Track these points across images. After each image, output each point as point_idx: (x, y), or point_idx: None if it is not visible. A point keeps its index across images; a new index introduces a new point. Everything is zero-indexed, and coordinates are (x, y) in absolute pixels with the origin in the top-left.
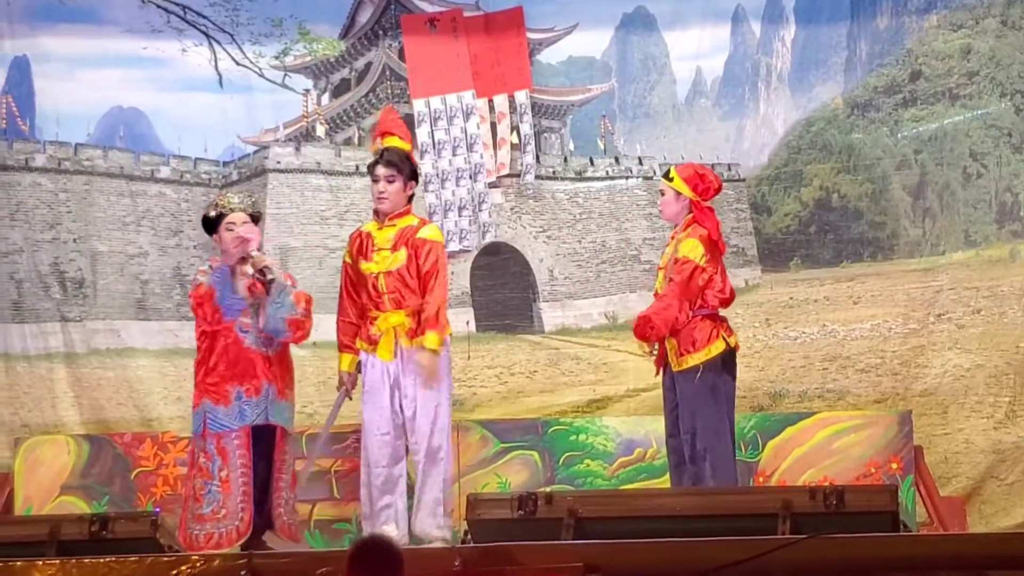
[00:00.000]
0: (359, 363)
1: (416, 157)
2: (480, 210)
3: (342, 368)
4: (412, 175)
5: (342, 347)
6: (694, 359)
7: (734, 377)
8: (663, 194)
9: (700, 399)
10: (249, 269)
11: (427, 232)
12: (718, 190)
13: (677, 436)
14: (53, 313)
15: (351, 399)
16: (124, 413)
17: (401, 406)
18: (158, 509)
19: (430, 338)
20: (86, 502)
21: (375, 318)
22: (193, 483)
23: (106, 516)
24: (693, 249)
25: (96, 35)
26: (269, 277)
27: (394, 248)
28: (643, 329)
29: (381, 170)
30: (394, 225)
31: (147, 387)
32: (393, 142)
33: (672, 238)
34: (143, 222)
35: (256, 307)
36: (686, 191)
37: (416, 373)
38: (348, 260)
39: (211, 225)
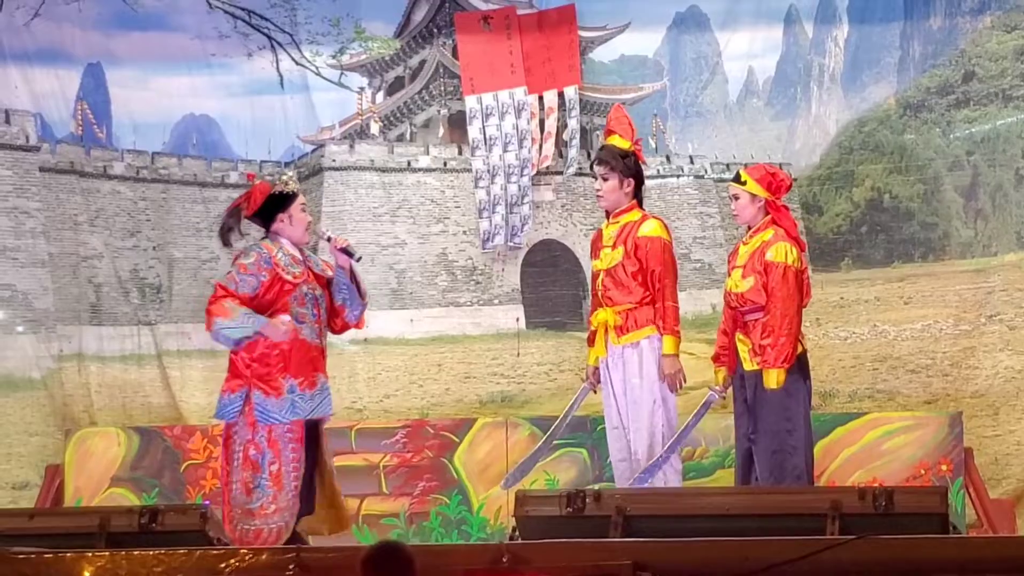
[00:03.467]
0: None
1: (468, 152)
2: (521, 203)
3: (589, 362)
4: (628, 172)
5: (589, 341)
6: None
7: (808, 379)
8: (737, 198)
9: (775, 401)
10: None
11: (647, 228)
12: (789, 187)
13: (748, 442)
14: (131, 317)
15: (595, 392)
16: (185, 409)
17: (616, 402)
18: (207, 502)
19: (667, 343)
20: (136, 494)
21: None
22: (241, 475)
23: (155, 508)
24: (787, 254)
25: (167, 42)
26: (357, 256)
27: (614, 246)
28: (785, 357)
29: (596, 168)
30: (618, 221)
31: (211, 386)
32: (612, 140)
33: (750, 238)
34: (215, 227)
35: (313, 297)
36: (760, 192)
37: (624, 370)
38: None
39: (280, 204)
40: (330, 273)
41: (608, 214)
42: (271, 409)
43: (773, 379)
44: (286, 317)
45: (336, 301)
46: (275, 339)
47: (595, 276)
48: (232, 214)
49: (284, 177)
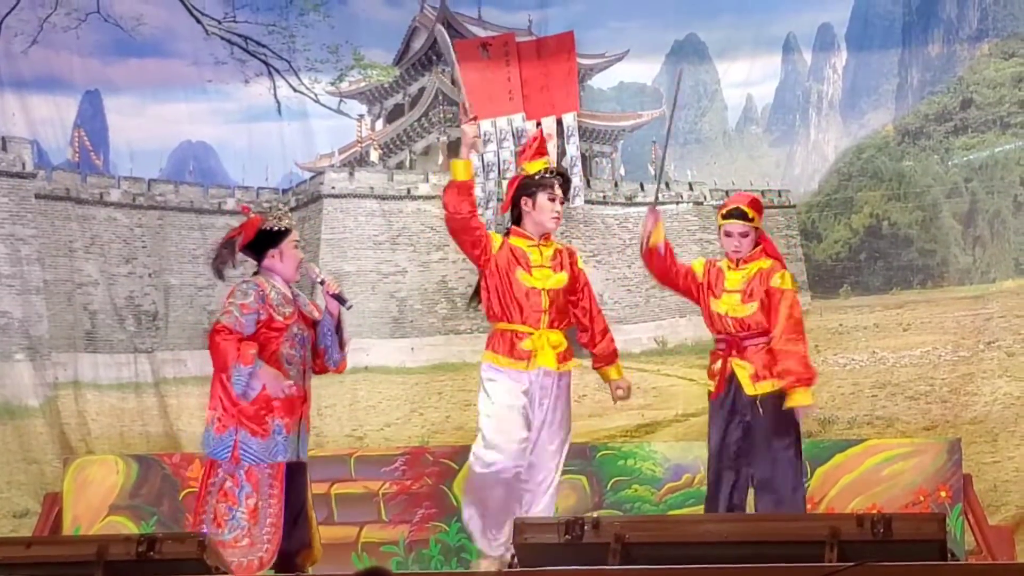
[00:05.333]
0: None
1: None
2: None
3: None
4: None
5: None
6: (773, 385)
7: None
8: (745, 236)
9: (773, 427)
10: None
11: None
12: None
13: (735, 465)
14: (127, 345)
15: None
16: (183, 437)
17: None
18: (206, 530)
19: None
20: (134, 522)
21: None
22: (216, 507)
23: (154, 537)
24: (790, 282)
25: (164, 69)
26: (349, 304)
27: (555, 269)
28: (812, 374)
29: (559, 191)
30: (549, 245)
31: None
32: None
33: (744, 263)
34: (211, 255)
35: (301, 338)
36: (759, 222)
37: (554, 398)
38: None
39: (272, 240)
40: (317, 315)
41: (546, 235)
42: (256, 450)
43: (808, 397)
44: (289, 382)
45: (319, 344)
46: (273, 394)
47: (533, 292)
48: (226, 245)
49: (277, 212)
